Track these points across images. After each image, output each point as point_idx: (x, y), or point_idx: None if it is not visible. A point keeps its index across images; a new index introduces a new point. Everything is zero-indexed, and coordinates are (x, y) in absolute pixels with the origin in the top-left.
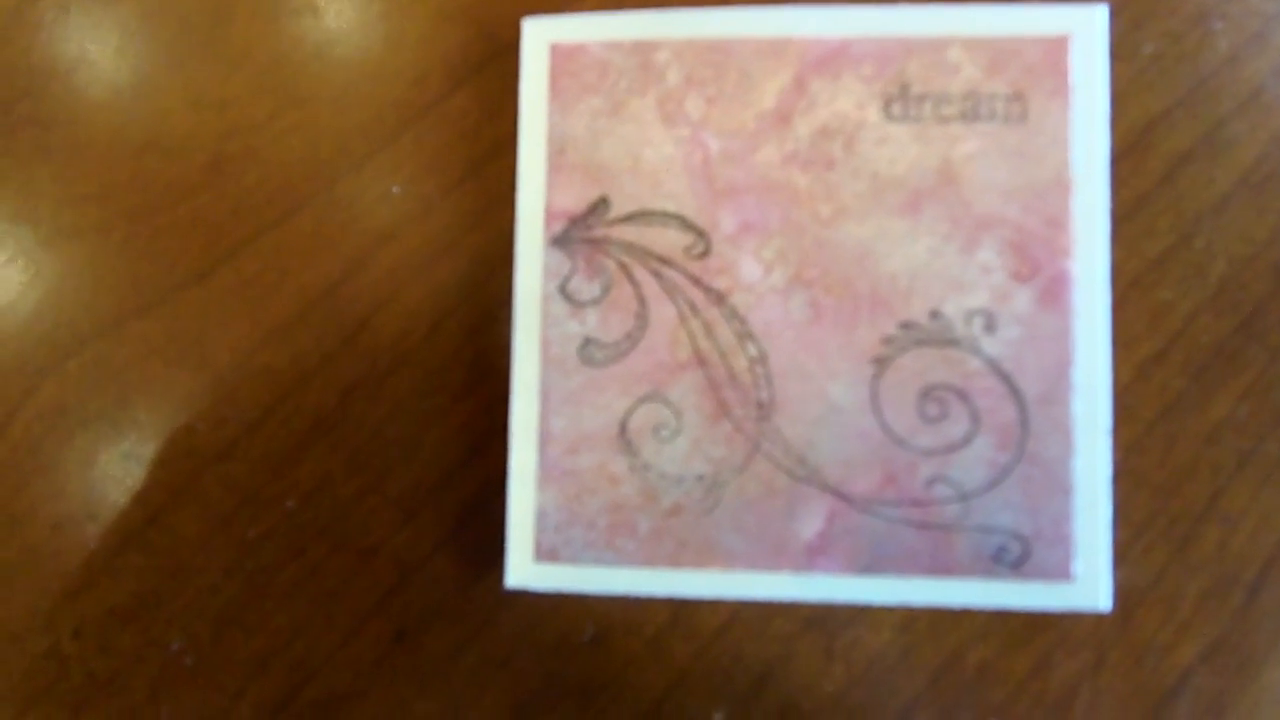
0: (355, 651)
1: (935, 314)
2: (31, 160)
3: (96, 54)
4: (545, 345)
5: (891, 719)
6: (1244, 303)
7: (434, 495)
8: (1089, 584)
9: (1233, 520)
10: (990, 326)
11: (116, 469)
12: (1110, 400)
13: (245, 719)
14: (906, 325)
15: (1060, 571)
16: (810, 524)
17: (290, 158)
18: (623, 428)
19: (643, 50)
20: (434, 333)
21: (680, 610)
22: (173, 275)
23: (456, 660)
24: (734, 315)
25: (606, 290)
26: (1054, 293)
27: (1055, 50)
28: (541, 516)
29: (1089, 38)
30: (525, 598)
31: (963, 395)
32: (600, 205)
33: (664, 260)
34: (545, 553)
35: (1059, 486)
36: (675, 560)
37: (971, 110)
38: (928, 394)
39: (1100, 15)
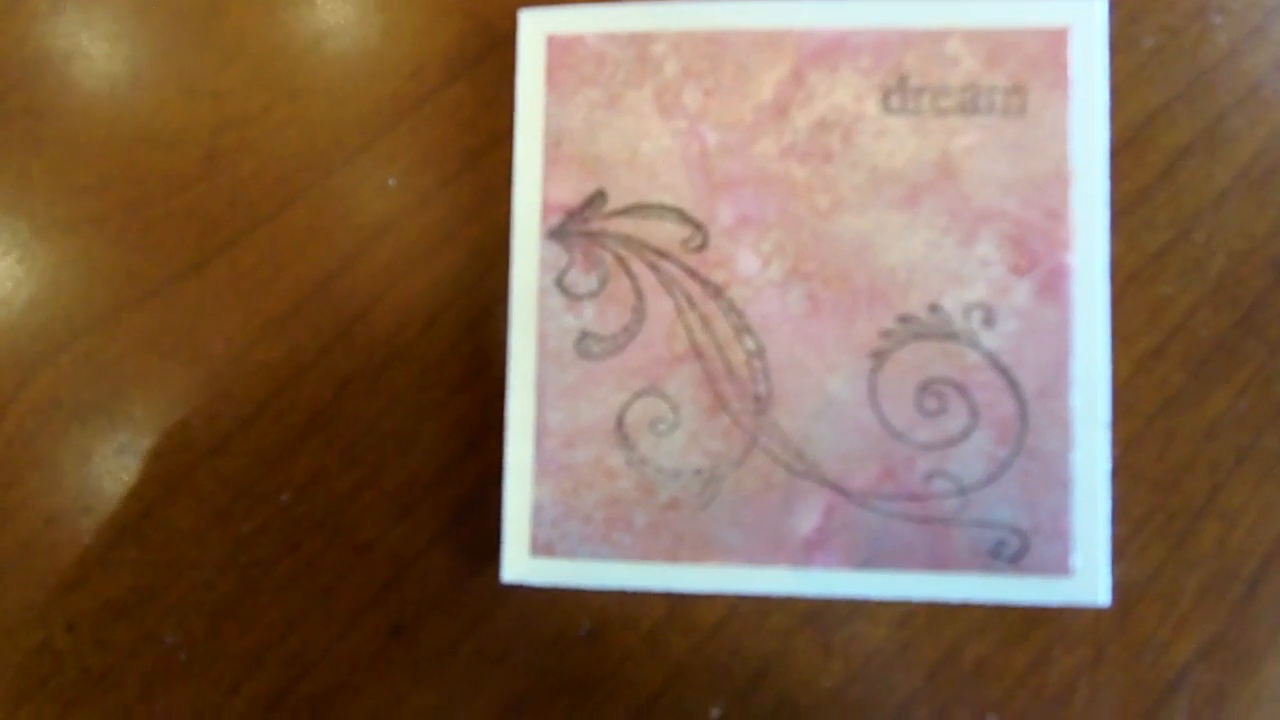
0: (351, 646)
1: (934, 307)
2: (25, 152)
3: (91, 46)
4: (542, 339)
5: (889, 714)
6: (1243, 297)
7: (430, 489)
8: (1087, 579)
9: (1231, 515)
10: (989, 320)
11: (110, 463)
12: (1109, 394)
13: (240, 714)
14: (905, 319)
15: (1059, 566)
16: (808, 518)
17: (286, 150)
18: (619, 421)
19: (640, 42)
20: (430, 326)
21: (677, 605)
22: (167, 268)
23: (452, 655)
24: (731, 308)
25: (603, 283)
26: (1053, 286)
27: (1054, 43)
28: (538, 511)
29: (1088, 30)
30: (521, 592)
31: (961, 389)
32: (597, 198)
33: (661, 253)
34: (541, 547)
35: (1058, 481)
36: (672, 555)
37: (970, 103)
38: (926, 388)
39: (1099, 8)
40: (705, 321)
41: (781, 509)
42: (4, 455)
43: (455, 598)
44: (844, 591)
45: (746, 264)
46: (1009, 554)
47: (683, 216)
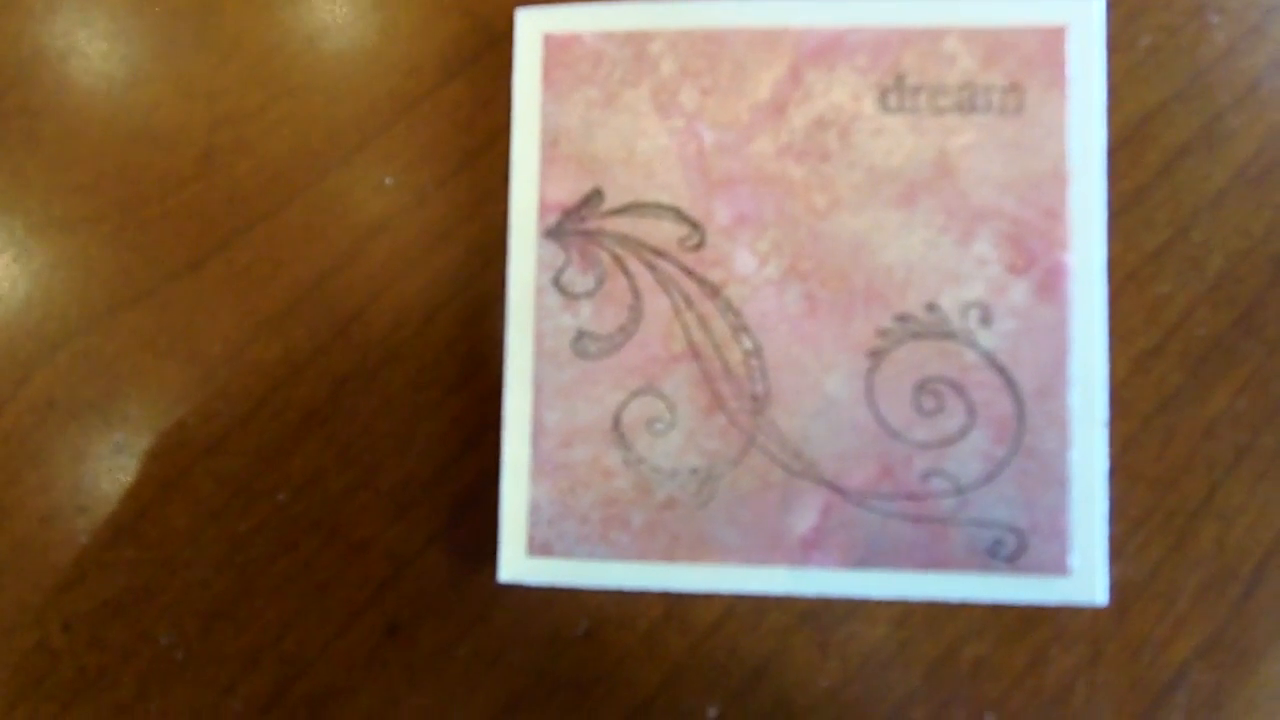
0: (347, 646)
1: (931, 306)
2: (21, 151)
3: (87, 44)
4: (539, 338)
5: (887, 714)
6: (1241, 296)
7: (426, 489)
8: (1085, 578)
9: (1229, 515)
10: (986, 319)
11: (107, 462)
12: (1107, 394)
13: (236, 713)
14: (902, 318)
15: (1056, 566)
16: (805, 517)
17: (282, 149)
18: (616, 421)
19: (637, 41)
20: (427, 325)
21: (674, 604)
22: (163, 267)
23: (449, 655)
24: (728, 308)
25: (600, 283)
26: (1050, 285)
27: (1052, 41)
28: (535, 510)
29: (1086, 29)
30: (518, 592)
31: (959, 388)
32: (594, 197)
33: (658, 252)
34: (538, 547)
35: (1055, 480)
36: (669, 554)
37: (967, 101)
38: (923, 387)
39: (1097, 6)
40: (702, 321)
41: (779, 508)
42: (0, 454)
43: (452, 597)
44: (841, 591)
45: (744, 263)
46: (1006, 553)
47: (680, 215)
